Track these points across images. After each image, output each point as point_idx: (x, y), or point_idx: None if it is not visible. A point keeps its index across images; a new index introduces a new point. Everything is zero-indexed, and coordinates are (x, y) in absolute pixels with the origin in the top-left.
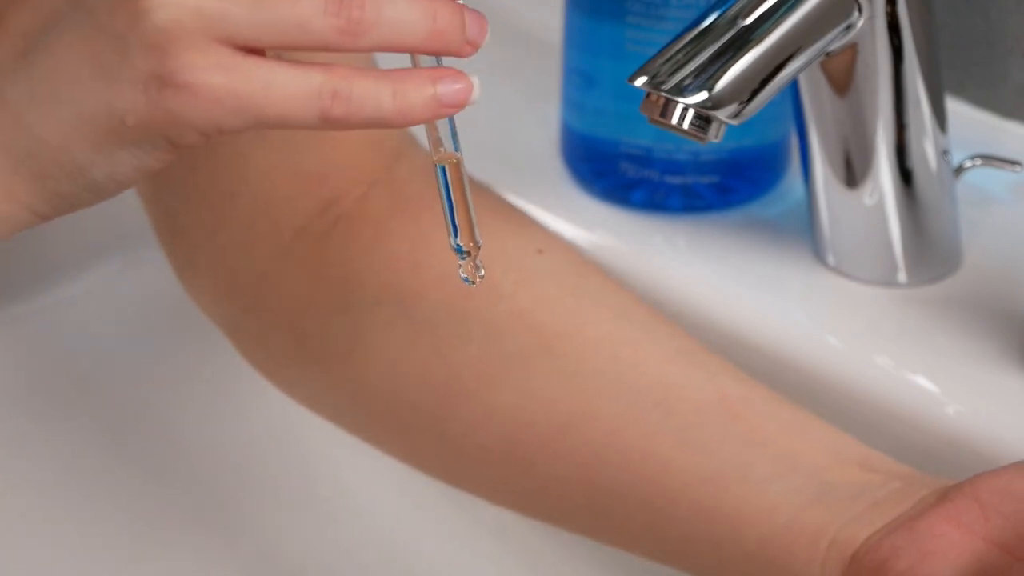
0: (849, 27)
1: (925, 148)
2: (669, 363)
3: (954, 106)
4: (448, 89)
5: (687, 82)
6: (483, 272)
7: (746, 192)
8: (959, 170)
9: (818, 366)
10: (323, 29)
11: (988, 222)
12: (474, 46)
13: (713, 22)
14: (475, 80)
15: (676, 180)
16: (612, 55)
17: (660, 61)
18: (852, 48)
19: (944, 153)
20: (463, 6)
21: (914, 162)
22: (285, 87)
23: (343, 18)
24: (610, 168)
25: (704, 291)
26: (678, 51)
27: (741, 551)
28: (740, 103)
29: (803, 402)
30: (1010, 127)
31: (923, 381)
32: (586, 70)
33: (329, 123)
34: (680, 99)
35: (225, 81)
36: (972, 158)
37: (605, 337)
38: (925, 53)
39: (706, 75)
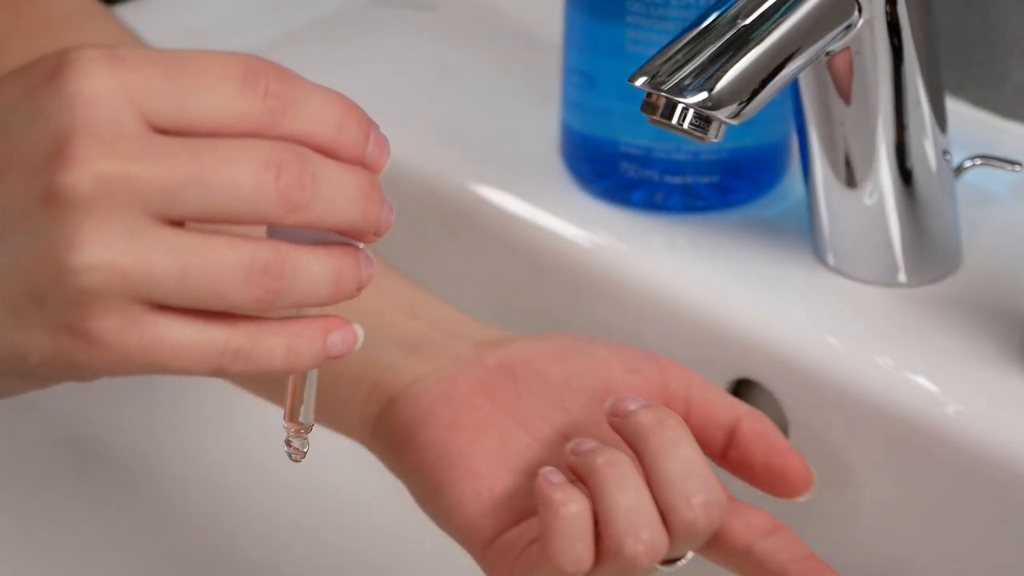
0: (849, 27)
1: (925, 148)
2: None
3: (954, 106)
4: (336, 339)
5: (687, 82)
6: (307, 450)
7: (746, 192)
8: (959, 170)
9: (818, 366)
10: (242, 300)
11: (988, 222)
12: (360, 287)
13: (713, 22)
14: (359, 330)
15: (676, 180)
16: (612, 55)
17: (660, 61)
18: (852, 48)
19: (944, 153)
20: (359, 252)
21: (914, 162)
22: (192, 347)
23: (262, 288)
24: (610, 168)
25: (704, 291)
26: (678, 51)
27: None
28: (740, 103)
29: (803, 402)
30: (1010, 127)
31: (923, 381)
32: (586, 70)
33: (223, 375)
34: (680, 99)
35: (138, 340)
36: (972, 158)
37: None
38: (925, 53)
39: (706, 75)
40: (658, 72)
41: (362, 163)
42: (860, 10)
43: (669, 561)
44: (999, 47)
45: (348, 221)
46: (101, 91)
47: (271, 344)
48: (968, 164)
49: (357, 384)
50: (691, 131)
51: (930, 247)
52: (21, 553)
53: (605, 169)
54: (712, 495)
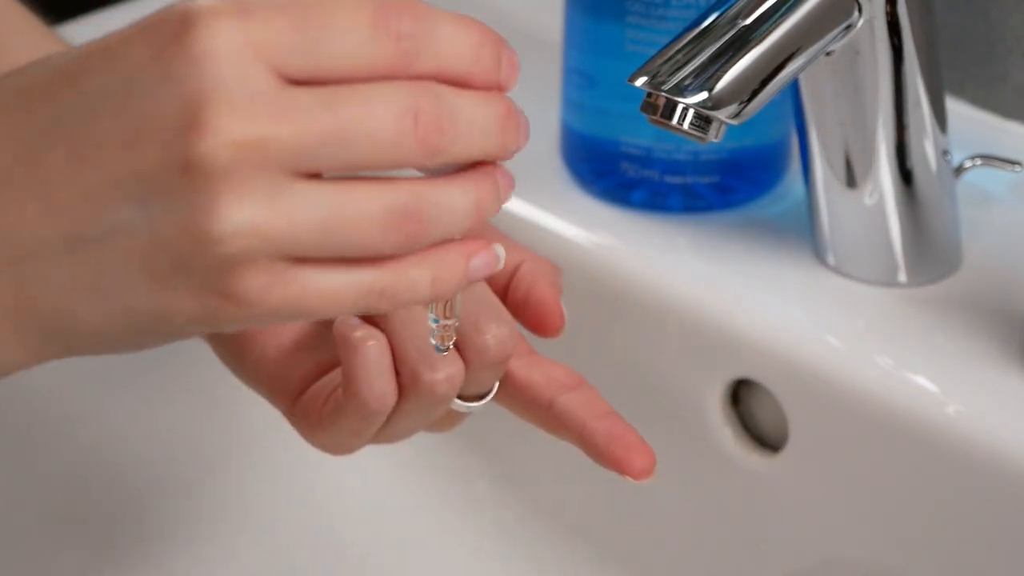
0: (849, 27)
1: (925, 148)
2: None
3: (954, 106)
4: (479, 263)
5: (687, 82)
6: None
7: (746, 192)
8: (959, 170)
9: (818, 366)
10: (384, 246)
11: (988, 222)
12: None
13: (713, 22)
14: (499, 249)
15: (676, 180)
16: (612, 55)
17: (660, 61)
18: (852, 48)
19: (944, 153)
20: (497, 170)
21: (914, 162)
22: (338, 294)
23: (403, 233)
24: (610, 168)
25: (704, 291)
26: (678, 51)
27: None
28: (740, 103)
29: (803, 402)
30: (1010, 127)
31: (923, 381)
32: (586, 70)
33: (369, 313)
34: (680, 99)
35: (283, 295)
36: (972, 158)
37: None
38: (925, 53)
39: (706, 75)
40: (658, 72)
41: (497, 87)
42: (860, 10)
43: (474, 398)
44: (999, 47)
45: (487, 153)
46: (230, 50)
47: (415, 277)
48: (968, 164)
49: None
50: (691, 131)
51: (930, 247)
52: (19, 553)
53: (605, 169)
54: (502, 326)
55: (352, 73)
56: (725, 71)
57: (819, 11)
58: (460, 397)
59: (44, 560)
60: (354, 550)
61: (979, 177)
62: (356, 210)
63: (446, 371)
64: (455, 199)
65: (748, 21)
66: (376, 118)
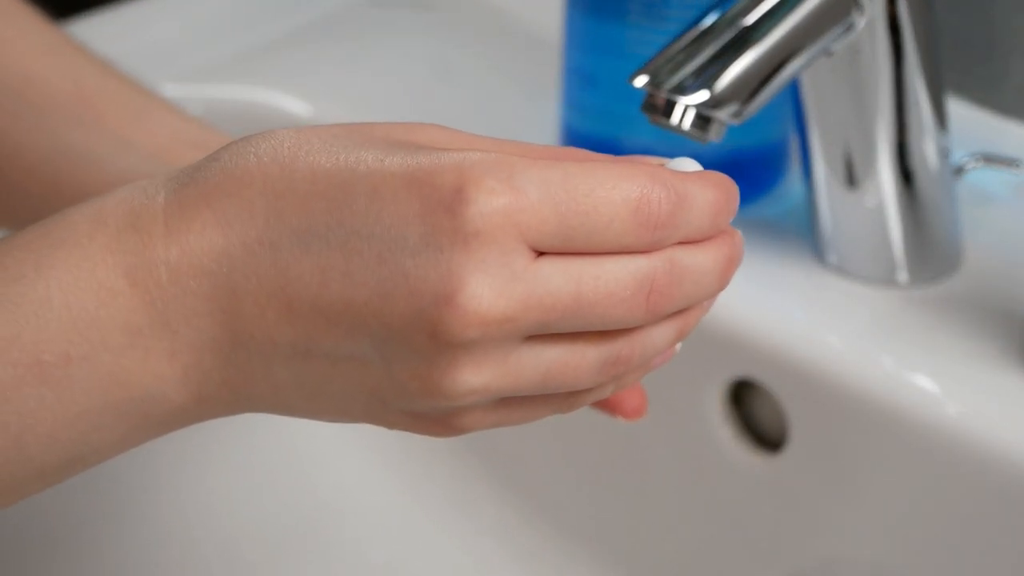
0: (849, 27)
1: (925, 148)
2: (35, 57)
3: (954, 106)
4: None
5: (688, 82)
6: None
7: (746, 192)
8: (959, 170)
9: (818, 366)
10: (595, 384)
11: (988, 222)
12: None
13: (713, 22)
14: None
15: None
16: (612, 55)
17: (661, 61)
18: (852, 48)
19: (944, 153)
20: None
21: (914, 162)
22: (536, 414)
23: (610, 376)
24: None
25: None
26: (679, 51)
27: None
28: (740, 103)
29: (803, 402)
30: (1010, 127)
31: (923, 381)
32: (586, 70)
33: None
34: (681, 99)
35: (493, 421)
36: (972, 158)
37: None
38: (925, 53)
39: (707, 75)
40: (658, 72)
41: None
42: (860, 10)
43: None
44: (1000, 47)
45: (702, 299)
46: (496, 234)
47: (584, 400)
48: (968, 164)
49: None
50: (691, 131)
51: (930, 247)
52: (22, 555)
53: None
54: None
55: (602, 252)
56: (725, 71)
57: (819, 11)
58: None
59: (35, 560)
60: (353, 550)
61: (979, 177)
62: (577, 364)
63: None
64: (664, 338)
65: (748, 21)
66: (615, 294)
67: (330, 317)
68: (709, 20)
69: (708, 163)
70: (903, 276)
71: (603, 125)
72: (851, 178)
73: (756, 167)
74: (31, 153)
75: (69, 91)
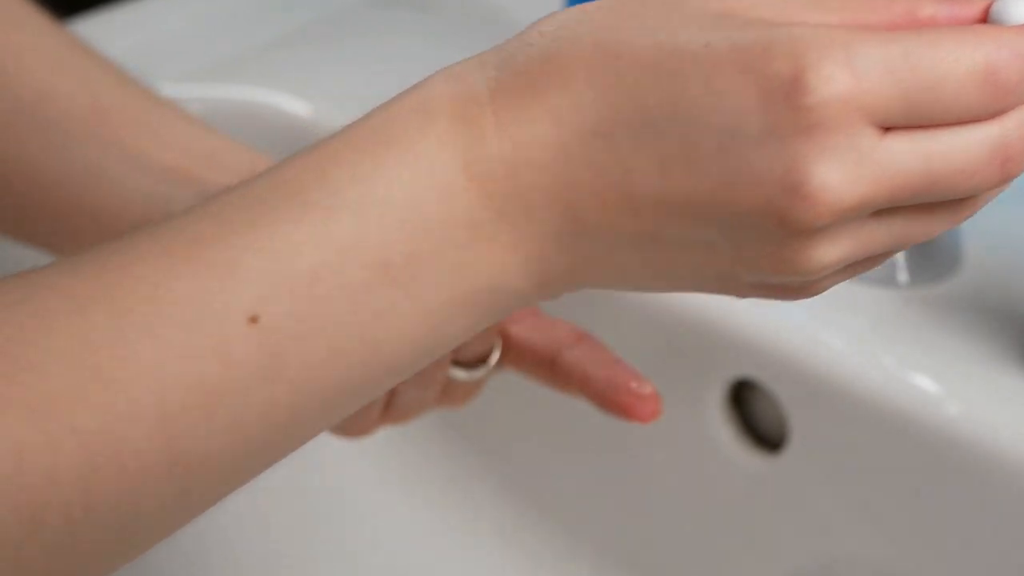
0: None
1: None
2: (48, 71)
3: None
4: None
5: None
6: None
7: None
8: None
9: (818, 366)
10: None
11: (988, 222)
12: None
13: None
14: None
15: None
16: None
17: None
18: None
19: None
20: None
21: None
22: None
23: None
24: None
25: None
26: None
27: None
28: None
29: (803, 402)
30: None
31: (923, 381)
32: None
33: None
34: None
35: (849, 275)
36: None
37: None
38: None
39: None
40: None
41: None
42: None
43: (475, 363)
44: None
45: None
46: (842, 124)
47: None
48: None
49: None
50: None
51: (930, 247)
52: None
53: None
54: None
55: (947, 123)
56: None
57: None
58: (460, 363)
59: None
60: (353, 550)
61: None
62: (925, 229)
63: None
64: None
65: None
66: (967, 168)
67: (673, 208)
68: None
69: None
70: (903, 276)
71: None
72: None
73: None
74: (47, 173)
75: (84, 106)
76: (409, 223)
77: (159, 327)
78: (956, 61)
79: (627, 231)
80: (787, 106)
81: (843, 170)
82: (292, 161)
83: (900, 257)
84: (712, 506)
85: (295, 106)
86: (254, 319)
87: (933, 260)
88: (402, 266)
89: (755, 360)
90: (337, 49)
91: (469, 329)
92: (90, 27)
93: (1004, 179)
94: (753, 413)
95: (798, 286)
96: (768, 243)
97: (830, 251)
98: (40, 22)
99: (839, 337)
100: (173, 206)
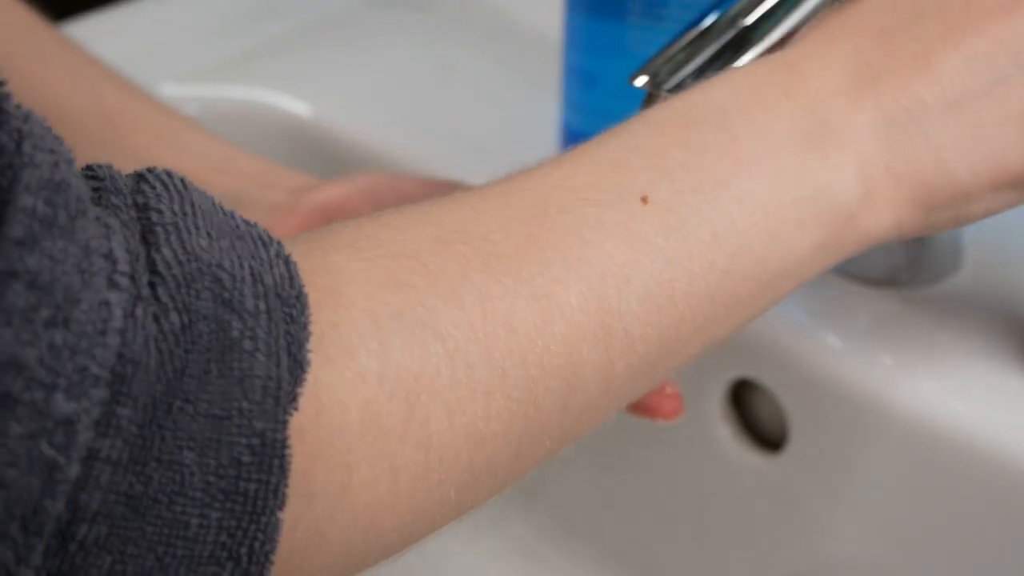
0: None
1: None
2: (56, 79)
3: None
4: None
5: (688, 82)
6: None
7: None
8: None
9: (818, 366)
10: None
11: (988, 222)
12: None
13: (713, 22)
14: None
15: None
16: (613, 55)
17: (661, 61)
18: None
19: None
20: None
21: None
22: None
23: None
24: None
25: None
26: (679, 51)
27: None
28: None
29: (803, 402)
30: None
31: (923, 381)
32: (587, 70)
33: None
34: None
35: None
36: None
37: (2, 57)
38: None
39: (707, 75)
40: (659, 72)
41: None
42: None
43: None
44: None
45: None
46: None
47: None
48: None
49: None
50: None
51: (931, 247)
52: None
53: None
54: None
55: None
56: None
57: (819, 11)
58: None
59: None
60: None
61: None
62: None
63: None
64: None
65: (748, 21)
66: None
67: (967, 62)
68: (709, 20)
69: None
70: (903, 276)
71: (603, 125)
72: None
73: None
74: None
75: (96, 114)
76: (747, 130)
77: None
78: None
79: (933, 100)
80: None
81: None
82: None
83: (900, 257)
84: (712, 506)
85: (295, 106)
86: (645, 199)
87: (933, 260)
88: (751, 164)
89: (755, 360)
90: (337, 49)
91: (814, 251)
92: (89, 27)
93: None
94: (753, 413)
95: None
96: None
97: None
98: (45, 31)
99: (839, 337)
100: None
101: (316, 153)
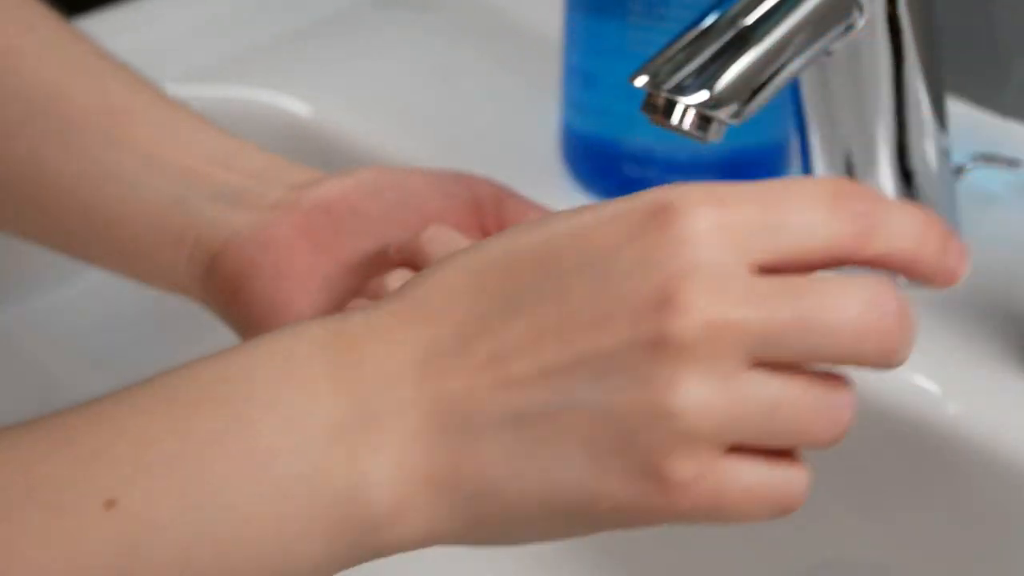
0: (849, 27)
1: (925, 148)
2: (61, 73)
3: (954, 106)
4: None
5: (688, 82)
6: None
7: None
8: (959, 170)
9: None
10: (821, 438)
11: (988, 222)
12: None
13: (713, 22)
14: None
15: (677, 180)
16: (613, 54)
17: (661, 61)
18: (852, 48)
19: (944, 153)
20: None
21: (914, 162)
22: (757, 494)
23: (841, 426)
24: (610, 168)
25: None
26: (679, 51)
27: (119, 248)
28: (740, 103)
29: None
30: (1011, 127)
31: (923, 381)
32: (587, 69)
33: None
34: (681, 99)
35: (710, 487)
36: (973, 158)
37: (7, 50)
38: (925, 53)
39: (707, 75)
40: (659, 72)
41: (945, 273)
42: (860, 10)
43: None
44: (1000, 47)
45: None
46: (708, 236)
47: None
48: (968, 164)
49: (179, 244)
50: (691, 131)
51: None
52: None
53: (606, 169)
54: None
55: (812, 253)
56: (725, 71)
57: (819, 11)
58: None
59: None
60: None
61: (979, 177)
62: (802, 401)
63: None
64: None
65: (748, 21)
66: (839, 309)
67: (544, 372)
68: (709, 20)
69: (708, 163)
70: (902, 276)
71: (603, 125)
72: (851, 178)
73: (756, 167)
74: (61, 176)
75: (97, 107)
76: (270, 420)
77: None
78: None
79: (495, 410)
80: (659, 235)
81: (714, 287)
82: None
83: None
84: None
85: (295, 106)
86: (111, 503)
87: None
88: (264, 463)
89: None
90: (338, 49)
91: (323, 558)
92: (91, 27)
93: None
94: None
95: (663, 449)
96: (636, 383)
97: (700, 383)
98: (53, 23)
99: None
100: (188, 207)
101: (316, 153)
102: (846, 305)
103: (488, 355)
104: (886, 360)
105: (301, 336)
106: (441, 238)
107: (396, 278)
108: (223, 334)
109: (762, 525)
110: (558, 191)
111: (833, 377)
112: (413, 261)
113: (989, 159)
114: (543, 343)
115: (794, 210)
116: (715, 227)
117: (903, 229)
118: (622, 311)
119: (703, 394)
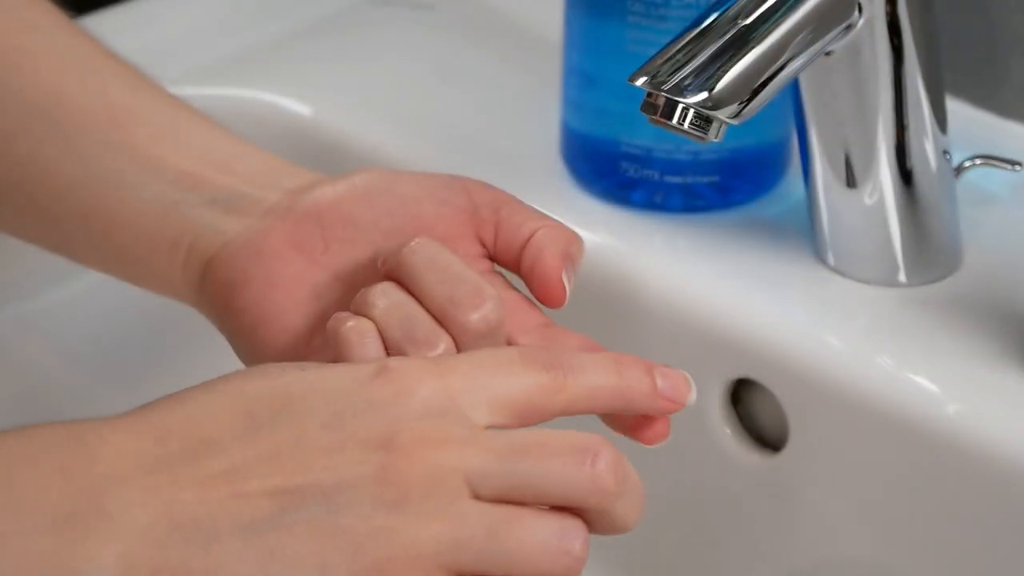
0: (849, 27)
1: (925, 148)
2: (63, 73)
3: (954, 106)
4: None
5: (687, 82)
6: None
7: (746, 192)
8: (959, 170)
9: (818, 366)
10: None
11: (988, 222)
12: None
13: (713, 22)
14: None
15: (676, 180)
16: (612, 55)
17: (660, 61)
18: (852, 48)
19: (944, 153)
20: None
21: (914, 162)
22: None
23: (563, 566)
24: (610, 168)
25: (704, 291)
26: (678, 51)
27: (116, 252)
28: (740, 103)
29: (803, 402)
30: (1010, 127)
31: (923, 381)
32: (586, 70)
33: None
34: (680, 99)
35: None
36: (972, 158)
37: (10, 49)
38: (925, 53)
39: (706, 75)
40: (658, 72)
41: (663, 397)
42: (860, 10)
43: None
44: (999, 47)
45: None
46: (426, 388)
47: None
48: (968, 164)
49: (175, 249)
50: (691, 131)
51: (930, 247)
52: None
53: (605, 169)
54: (488, 303)
55: (523, 400)
56: (725, 71)
57: (819, 11)
58: None
59: None
60: None
61: (979, 177)
62: (521, 535)
63: (425, 340)
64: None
65: (748, 21)
66: (555, 459)
67: (281, 490)
68: (709, 20)
69: (709, 162)
70: (903, 276)
71: (603, 125)
72: (851, 178)
73: (756, 167)
74: (60, 178)
75: (98, 109)
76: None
77: None
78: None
79: (233, 519)
80: (381, 384)
81: (430, 429)
82: None
83: (900, 257)
84: (712, 506)
85: (295, 106)
86: None
87: (933, 260)
88: None
89: (755, 360)
90: (337, 49)
91: None
92: (91, 27)
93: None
94: (753, 413)
95: (386, 568)
96: (363, 505)
97: (419, 510)
98: (56, 23)
99: (839, 337)
100: (184, 212)
101: (316, 153)
102: (557, 447)
103: (223, 471)
104: (606, 504)
105: (38, 435)
106: (425, 250)
107: (379, 292)
108: (220, 335)
109: (762, 525)
110: (558, 191)
111: (567, 513)
112: (397, 274)
113: (988, 159)
114: (279, 464)
115: (499, 371)
116: (433, 386)
117: (597, 366)
118: (353, 445)
119: (425, 522)
